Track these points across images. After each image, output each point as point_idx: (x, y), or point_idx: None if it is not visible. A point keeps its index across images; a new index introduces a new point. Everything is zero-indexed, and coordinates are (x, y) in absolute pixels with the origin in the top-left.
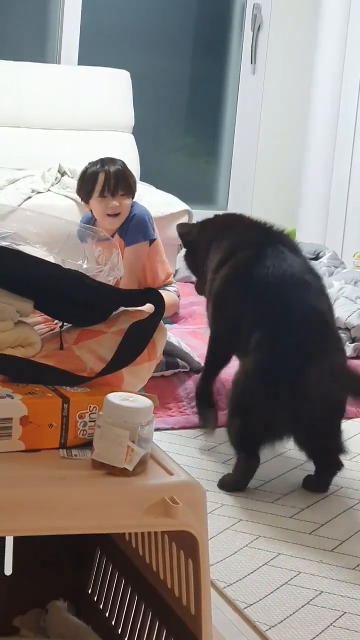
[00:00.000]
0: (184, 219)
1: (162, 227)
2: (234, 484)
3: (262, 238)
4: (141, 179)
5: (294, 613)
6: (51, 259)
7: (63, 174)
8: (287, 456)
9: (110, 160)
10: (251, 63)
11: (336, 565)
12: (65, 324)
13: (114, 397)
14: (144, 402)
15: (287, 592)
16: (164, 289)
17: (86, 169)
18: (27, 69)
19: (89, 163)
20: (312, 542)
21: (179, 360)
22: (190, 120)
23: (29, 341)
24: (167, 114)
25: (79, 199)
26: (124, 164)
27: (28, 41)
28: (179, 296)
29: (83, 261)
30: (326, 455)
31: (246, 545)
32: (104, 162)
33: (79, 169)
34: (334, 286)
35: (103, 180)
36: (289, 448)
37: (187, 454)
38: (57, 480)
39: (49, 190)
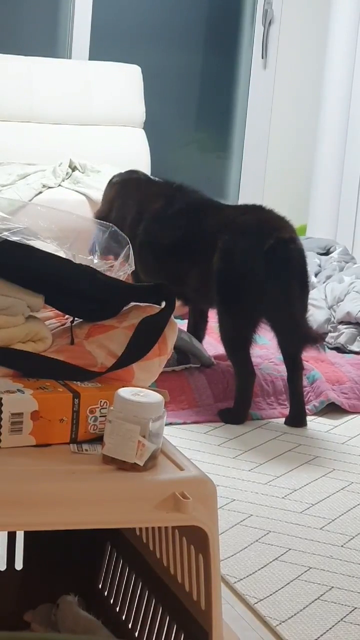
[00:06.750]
0: None
1: None
2: (236, 412)
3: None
4: (152, 175)
5: (304, 608)
6: (62, 254)
7: (74, 169)
8: (298, 452)
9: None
10: (262, 58)
11: (346, 561)
12: (76, 319)
13: (124, 392)
14: (154, 397)
15: (298, 588)
16: None
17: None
18: (38, 64)
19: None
20: (323, 538)
21: (190, 355)
22: (201, 115)
23: (40, 336)
24: (178, 109)
25: (89, 194)
26: None
27: (39, 36)
28: None
29: (94, 256)
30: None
31: (256, 541)
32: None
33: (90, 164)
34: (345, 281)
35: None
36: (298, 443)
37: (197, 449)
38: (68, 475)
39: (59, 185)
